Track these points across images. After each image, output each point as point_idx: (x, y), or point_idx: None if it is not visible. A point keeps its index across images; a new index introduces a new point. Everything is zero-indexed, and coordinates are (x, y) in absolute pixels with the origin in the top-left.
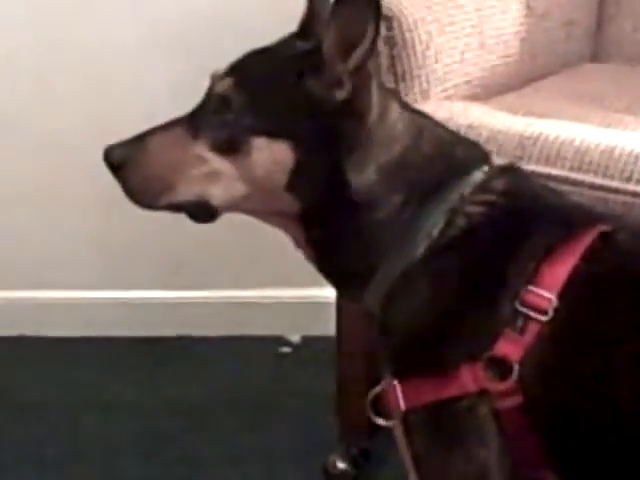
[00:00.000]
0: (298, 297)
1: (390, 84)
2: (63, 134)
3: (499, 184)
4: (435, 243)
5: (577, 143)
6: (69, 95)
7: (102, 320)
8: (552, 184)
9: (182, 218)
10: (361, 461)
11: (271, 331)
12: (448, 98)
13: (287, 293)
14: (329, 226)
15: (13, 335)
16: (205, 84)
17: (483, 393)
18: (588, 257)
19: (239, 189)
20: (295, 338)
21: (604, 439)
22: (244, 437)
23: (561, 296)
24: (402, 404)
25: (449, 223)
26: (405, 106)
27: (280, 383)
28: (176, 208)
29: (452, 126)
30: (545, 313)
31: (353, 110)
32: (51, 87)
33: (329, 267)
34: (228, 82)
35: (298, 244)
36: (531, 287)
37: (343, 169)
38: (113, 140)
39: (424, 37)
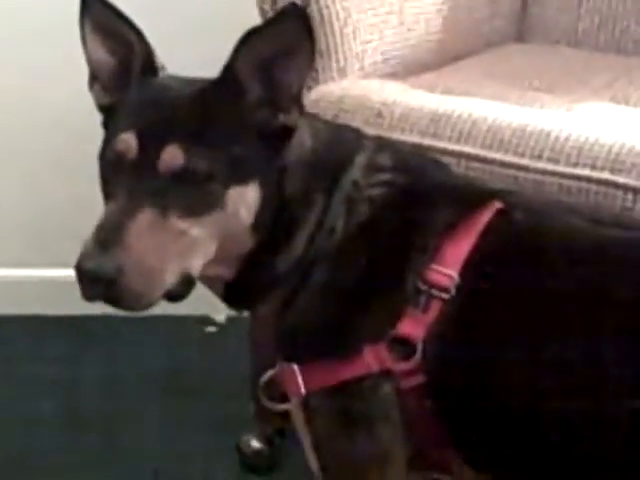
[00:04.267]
0: None
1: None
2: None
3: (385, 160)
4: (342, 235)
5: (490, 121)
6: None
7: (24, 298)
8: (464, 162)
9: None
10: (277, 440)
11: (197, 311)
12: (366, 76)
13: None
14: (266, 252)
15: None
16: None
17: (386, 373)
18: (487, 234)
19: (212, 248)
20: (220, 318)
21: (503, 419)
22: (164, 416)
23: (462, 274)
24: (302, 388)
25: (350, 212)
26: None
27: (203, 363)
28: (164, 297)
29: (366, 103)
30: (447, 291)
31: (291, 127)
32: None
33: (237, 293)
34: (176, 149)
35: (211, 281)
36: (433, 265)
37: (283, 188)
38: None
39: (342, 14)
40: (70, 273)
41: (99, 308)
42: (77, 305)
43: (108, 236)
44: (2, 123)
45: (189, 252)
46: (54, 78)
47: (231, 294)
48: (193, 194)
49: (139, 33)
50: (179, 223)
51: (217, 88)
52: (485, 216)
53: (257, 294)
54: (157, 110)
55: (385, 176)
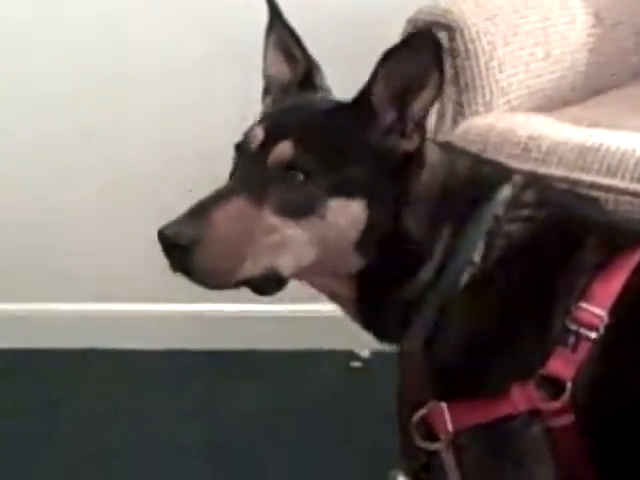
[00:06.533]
0: None
1: (453, 96)
2: (127, 153)
3: (529, 196)
4: (479, 268)
5: (639, 154)
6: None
7: (171, 333)
8: (612, 196)
9: None
10: (423, 476)
11: (342, 345)
12: (512, 110)
13: None
14: (383, 277)
15: (83, 348)
16: None
17: (535, 412)
18: (638, 274)
19: (309, 254)
20: (365, 353)
21: None
22: (310, 450)
23: (612, 313)
24: (450, 427)
25: (489, 246)
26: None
27: (349, 398)
28: (244, 284)
29: (513, 137)
30: (596, 330)
31: (416, 158)
32: (117, 108)
33: (371, 317)
34: (288, 145)
35: (340, 301)
36: (582, 304)
37: (401, 216)
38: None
39: (487, 48)
40: (212, 308)
41: (241, 343)
42: (220, 340)
43: (198, 210)
44: (140, 158)
45: (279, 250)
46: (186, 115)
47: (363, 318)
48: (293, 194)
49: (306, 52)
50: (273, 218)
51: (350, 106)
52: (637, 255)
53: (389, 323)
54: (290, 114)
55: (526, 212)
